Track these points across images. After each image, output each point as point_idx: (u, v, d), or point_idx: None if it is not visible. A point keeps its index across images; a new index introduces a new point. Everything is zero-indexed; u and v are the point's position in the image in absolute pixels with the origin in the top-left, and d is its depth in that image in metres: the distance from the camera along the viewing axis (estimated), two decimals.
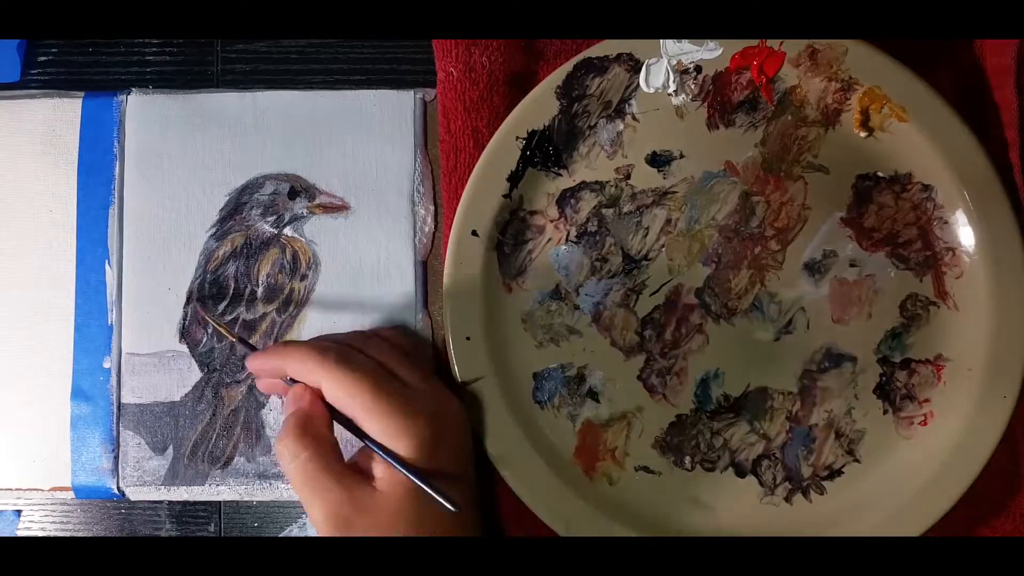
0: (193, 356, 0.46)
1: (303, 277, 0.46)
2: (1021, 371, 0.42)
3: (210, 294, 0.46)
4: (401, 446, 0.38)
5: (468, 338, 0.44)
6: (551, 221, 0.45)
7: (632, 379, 0.44)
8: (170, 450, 0.45)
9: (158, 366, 0.46)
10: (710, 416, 0.44)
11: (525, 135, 0.44)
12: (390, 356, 0.41)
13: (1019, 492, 0.44)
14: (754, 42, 0.43)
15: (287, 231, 0.46)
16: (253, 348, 0.43)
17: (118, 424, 0.46)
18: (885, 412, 0.44)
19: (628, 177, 0.44)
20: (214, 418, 0.46)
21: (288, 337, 0.46)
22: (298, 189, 0.46)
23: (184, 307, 0.46)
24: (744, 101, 0.44)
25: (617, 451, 0.44)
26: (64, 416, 0.46)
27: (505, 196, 0.44)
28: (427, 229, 0.46)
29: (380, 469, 0.38)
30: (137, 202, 0.47)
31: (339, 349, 0.40)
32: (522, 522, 0.44)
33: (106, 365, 0.46)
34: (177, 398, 0.46)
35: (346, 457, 0.40)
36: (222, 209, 0.46)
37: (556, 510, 0.43)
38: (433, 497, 0.37)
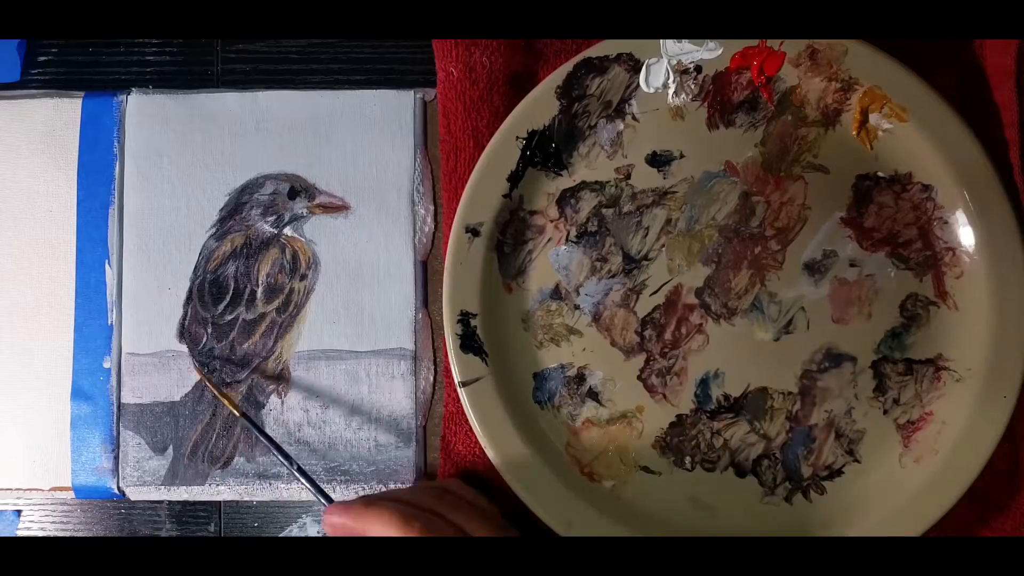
0: (193, 356, 0.46)
1: (303, 277, 0.46)
2: (1021, 371, 0.42)
3: (210, 294, 0.46)
4: None
5: (468, 338, 0.44)
6: (551, 221, 0.45)
7: (632, 379, 0.44)
8: (170, 450, 0.45)
9: (158, 366, 0.46)
10: (710, 416, 0.44)
11: (525, 135, 0.44)
12: (470, 519, 0.40)
13: (1019, 492, 0.44)
14: (754, 42, 0.43)
15: (287, 231, 0.46)
16: (329, 500, 0.41)
17: (118, 424, 0.46)
18: (885, 412, 0.44)
19: (628, 177, 0.44)
20: (214, 418, 0.46)
21: (288, 337, 0.46)
22: (298, 189, 0.46)
23: (184, 306, 0.46)
24: (744, 101, 0.44)
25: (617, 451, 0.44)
26: (64, 416, 0.46)
27: (505, 196, 0.44)
28: (427, 229, 0.46)
29: None
30: (137, 202, 0.47)
31: (422, 517, 0.39)
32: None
33: (106, 365, 0.46)
34: (177, 398, 0.46)
35: None
36: (222, 209, 0.46)
37: (556, 510, 0.43)
38: None
